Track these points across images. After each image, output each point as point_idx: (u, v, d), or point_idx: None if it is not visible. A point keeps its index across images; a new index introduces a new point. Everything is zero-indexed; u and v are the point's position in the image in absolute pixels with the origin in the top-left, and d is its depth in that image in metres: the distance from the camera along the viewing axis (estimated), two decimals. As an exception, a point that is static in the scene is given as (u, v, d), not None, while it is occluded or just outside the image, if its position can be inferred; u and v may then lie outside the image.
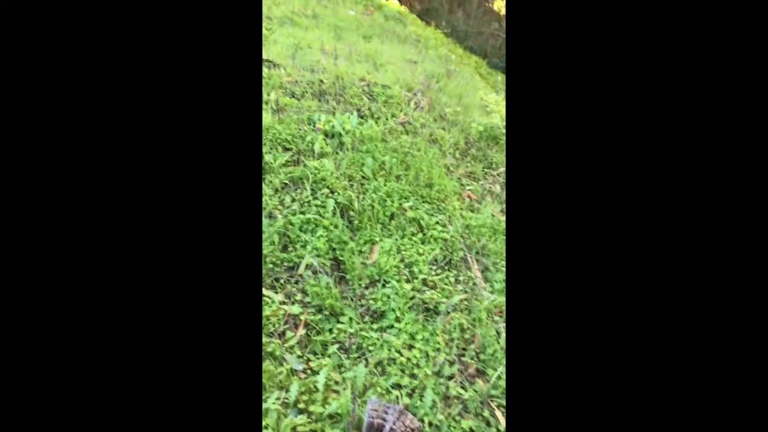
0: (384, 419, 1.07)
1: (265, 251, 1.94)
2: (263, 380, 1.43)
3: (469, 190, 2.88)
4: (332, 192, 2.36)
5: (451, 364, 1.72)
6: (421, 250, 2.21)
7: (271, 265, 1.91)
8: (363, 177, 2.55)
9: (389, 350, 1.69)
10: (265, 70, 3.28)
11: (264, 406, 1.34)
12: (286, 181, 2.35)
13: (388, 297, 1.90)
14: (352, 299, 1.90)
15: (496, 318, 1.99)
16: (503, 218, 2.61)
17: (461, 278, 2.16)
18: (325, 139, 2.70)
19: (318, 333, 1.71)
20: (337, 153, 2.67)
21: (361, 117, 3.14)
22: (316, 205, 2.24)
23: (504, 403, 1.62)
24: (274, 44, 4.00)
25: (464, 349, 1.81)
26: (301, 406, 1.41)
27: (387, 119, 3.21)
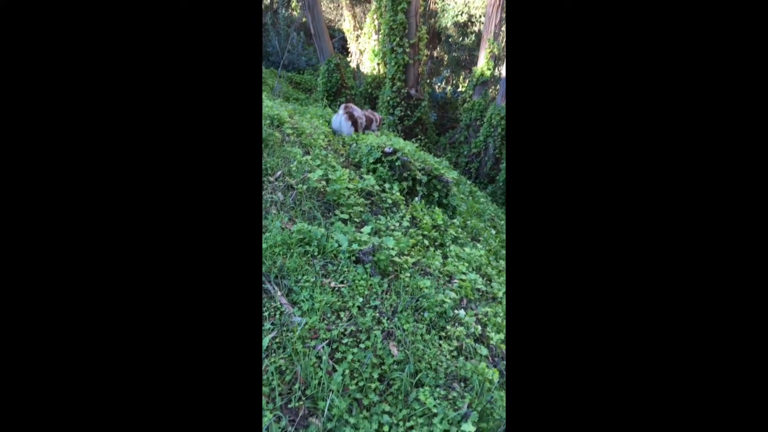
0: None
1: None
2: None
3: (252, 206, 2.68)
4: None
5: (278, 419, 1.60)
6: (213, 302, 1.96)
7: None
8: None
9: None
10: None
11: None
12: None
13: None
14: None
15: (313, 342, 1.93)
16: (294, 226, 2.52)
17: (267, 313, 2.01)
18: None
19: None
20: None
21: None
22: None
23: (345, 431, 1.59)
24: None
25: (289, 393, 1.71)
26: None
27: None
